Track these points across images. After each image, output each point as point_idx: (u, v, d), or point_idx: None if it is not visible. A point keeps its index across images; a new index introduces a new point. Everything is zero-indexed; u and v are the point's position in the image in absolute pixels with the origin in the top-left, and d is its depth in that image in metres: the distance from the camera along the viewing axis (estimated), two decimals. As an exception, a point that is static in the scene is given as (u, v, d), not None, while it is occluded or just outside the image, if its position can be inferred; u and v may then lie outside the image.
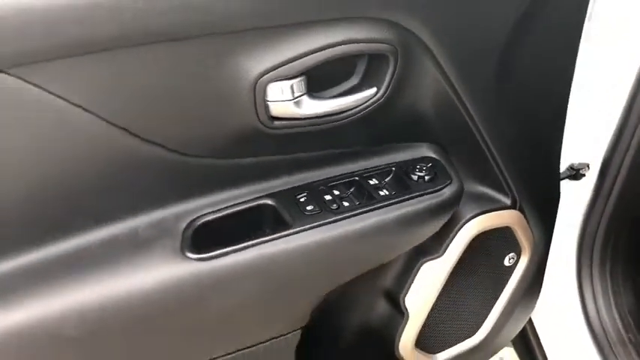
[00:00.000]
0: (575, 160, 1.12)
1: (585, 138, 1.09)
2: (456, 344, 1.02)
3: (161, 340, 0.74)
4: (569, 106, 0.87)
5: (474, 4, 0.70)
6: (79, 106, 0.59)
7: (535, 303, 1.08)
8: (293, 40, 0.63)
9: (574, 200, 1.14)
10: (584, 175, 1.12)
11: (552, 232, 1.00)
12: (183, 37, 0.58)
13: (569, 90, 0.84)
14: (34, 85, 0.55)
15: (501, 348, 1.12)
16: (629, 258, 1.17)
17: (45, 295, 0.65)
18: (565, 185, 1.13)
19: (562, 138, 0.90)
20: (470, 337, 1.02)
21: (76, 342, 0.68)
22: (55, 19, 0.51)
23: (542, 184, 0.93)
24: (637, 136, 1.02)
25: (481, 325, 1.02)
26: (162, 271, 0.69)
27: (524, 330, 1.19)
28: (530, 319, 1.22)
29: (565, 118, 0.87)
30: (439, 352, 1.01)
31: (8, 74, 0.54)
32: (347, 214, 0.74)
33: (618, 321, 1.13)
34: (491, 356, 1.10)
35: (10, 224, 0.64)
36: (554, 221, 0.99)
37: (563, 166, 1.11)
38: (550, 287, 1.14)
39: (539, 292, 1.07)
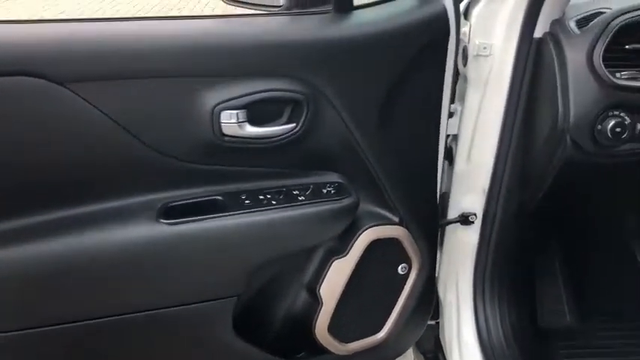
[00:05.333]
0: (466, 209, 1.46)
1: (472, 190, 1.44)
2: (363, 338, 1.31)
3: (128, 284, 1.06)
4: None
5: (360, 72, 1.10)
6: (106, 115, 0.97)
7: (429, 313, 1.38)
8: (237, 85, 1.03)
9: (467, 241, 1.47)
10: (472, 221, 1.46)
11: (435, 250, 1.33)
12: (173, 76, 0.98)
13: (438, 134, 1.22)
14: (79, 96, 0.94)
15: (405, 350, 1.40)
16: (512, 286, 1.48)
17: (55, 243, 0.99)
18: (459, 228, 1.47)
19: (436, 173, 1.26)
20: (375, 334, 1.32)
21: (73, 279, 1.01)
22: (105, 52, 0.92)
23: (422, 208, 1.28)
24: (503, 189, 1.37)
25: (384, 324, 1.31)
26: (143, 231, 1.03)
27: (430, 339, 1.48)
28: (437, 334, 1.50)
29: (437, 158, 1.24)
30: (349, 342, 1.30)
31: (65, 87, 0.93)
32: (273, 206, 1.10)
33: (501, 334, 1.42)
34: (397, 356, 1.39)
35: (45, 190, 1.00)
36: (436, 241, 1.32)
37: (456, 213, 1.46)
38: (452, 307, 1.45)
39: (432, 303, 1.37)
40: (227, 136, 1.05)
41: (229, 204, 1.09)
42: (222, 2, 1.21)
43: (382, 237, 1.22)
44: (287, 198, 1.13)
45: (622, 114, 1.11)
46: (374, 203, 1.23)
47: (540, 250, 1.66)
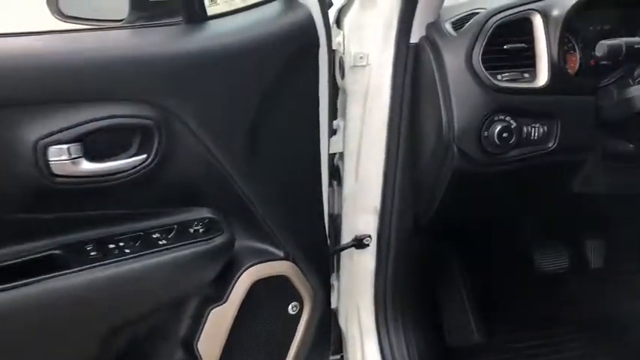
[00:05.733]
0: (360, 232, 1.35)
1: (364, 210, 1.32)
2: (256, 390, 1.15)
3: None
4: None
5: (220, 89, 0.95)
6: None
7: (328, 350, 1.25)
8: (67, 113, 0.84)
9: (364, 266, 1.36)
10: (367, 244, 1.34)
11: (329, 284, 1.20)
12: None
13: (319, 153, 1.09)
14: None
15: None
16: (416, 308, 1.38)
17: None
18: (355, 253, 1.35)
19: (322, 196, 1.13)
20: (269, 384, 1.16)
21: None
22: None
23: (310, 237, 1.15)
24: (396, 206, 1.27)
25: (278, 372, 1.16)
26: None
27: None
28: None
29: (321, 179, 1.12)
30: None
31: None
32: (127, 256, 0.91)
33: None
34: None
35: None
36: (329, 274, 1.19)
37: (350, 237, 1.35)
38: (355, 340, 1.32)
39: (330, 340, 1.24)
40: (59, 176, 0.86)
41: (71, 258, 0.90)
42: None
43: (266, 276, 1.07)
44: (145, 244, 0.95)
45: (507, 118, 1.05)
46: (253, 238, 1.08)
47: (440, 267, 1.58)
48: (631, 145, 1.10)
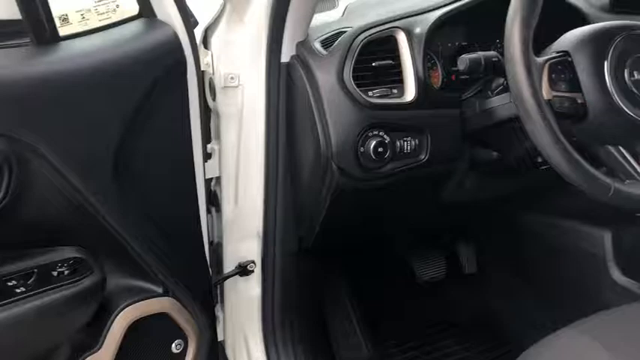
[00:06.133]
0: (243, 258, 1.30)
1: (246, 236, 1.28)
2: None
3: None
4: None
5: (77, 116, 0.86)
6: None
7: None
8: None
9: (250, 294, 1.31)
10: (252, 270, 1.30)
11: (214, 316, 1.13)
12: None
13: (194, 179, 1.03)
14: None
15: None
16: (306, 332, 1.35)
17: None
18: (239, 281, 1.30)
19: (200, 224, 1.07)
20: None
21: None
22: None
23: (190, 268, 1.08)
24: (279, 229, 1.24)
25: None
26: None
27: None
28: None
29: (197, 206, 1.06)
30: None
31: None
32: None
33: None
34: None
35: None
36: (213, 306, 1.13)
37: (233, 264, 1.29)
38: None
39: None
40: None
41: None
42: None
43: (145, 315, 0.99)
44: None
45: (381, 133, 1.06)
46: (128, 275, 1.00)
47: (326, 285, 1.58)
48: (494, 153, 1.17)
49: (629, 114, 0.92)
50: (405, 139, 1.09)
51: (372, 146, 1.06)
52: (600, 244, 1.39)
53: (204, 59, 1.14)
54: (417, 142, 1.10)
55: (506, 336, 1.52)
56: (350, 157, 1.06)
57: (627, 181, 0.93)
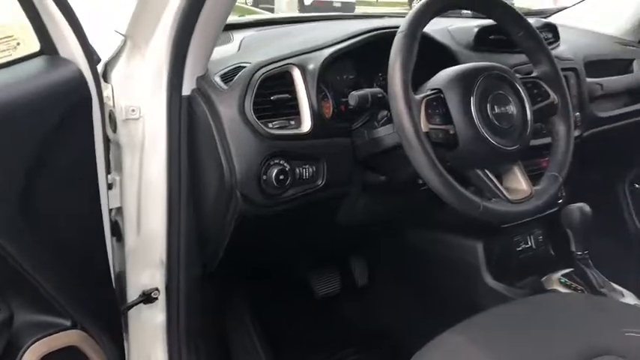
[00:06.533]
0: (147, 286, 1.31)
1: (149, 264, 1.29)
2: None
3: None
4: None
5: None
6: None
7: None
8: None
9: (154, 322, 1.32)
10: (156, 298, 1.31)
11: (122, 346, 1.14)
12: None
13: (100, 210, 1.05)
14: None
15: None
16: (211, 354, 1.38)
17: None
18: (143, 309, 1.31)
19: (106, 254, 1.09)
20: None
21: None
22: None
23: (98, 299, 1.09)
24: (182, 256, 1.27)
25: None
26: None
27: None
28: None
29: (104, 237, 1.07)
30: None
31: None
32: None
33: None
34: None
35: None
36: (121, 336, 1.14)
37: (136, 293, 1.30)
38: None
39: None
40: None
41: None
42: None
43: (53, 349, 0.99)
44: None
45: (282, 161, 1.14)
46: (36, 310, 0.99)
47: (230, 309, 1.62)
48: (382, 177, 1.29)
49: (492, 142, 1.07)
50: (303, 166, 1.18)
51: (273, 174, 1.14)
52: (475, 254, 1.57)
53: (105, 92, 1.16)
54: (314, 168, 1.20)
55: (399, 347, 1.65)
56: (253, 184, 1.13)
57: (493, 199, 1.09)
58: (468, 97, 1.07)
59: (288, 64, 1.20)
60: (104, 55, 1.16)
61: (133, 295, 1.29)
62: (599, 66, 1.77)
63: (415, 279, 1.78)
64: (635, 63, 1.88)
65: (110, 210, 1.23)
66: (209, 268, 1.32)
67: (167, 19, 1.09)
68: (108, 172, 1.21)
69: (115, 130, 1.19)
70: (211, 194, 1.18)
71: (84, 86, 0.99)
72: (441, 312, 1.50)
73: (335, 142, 1.23)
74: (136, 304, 1.28)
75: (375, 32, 1.30)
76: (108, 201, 1.14)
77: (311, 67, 1.21)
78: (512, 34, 1.23)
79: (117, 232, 1.28)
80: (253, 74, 1.15)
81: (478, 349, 0.97)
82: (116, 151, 1.23)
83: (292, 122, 1.19)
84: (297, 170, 1.17)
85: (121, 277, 1.29)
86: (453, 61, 1.38)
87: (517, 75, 1.19)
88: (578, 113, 1.61)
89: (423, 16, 1.08)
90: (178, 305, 1.29)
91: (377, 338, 1.75)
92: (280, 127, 1.16)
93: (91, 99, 1.00)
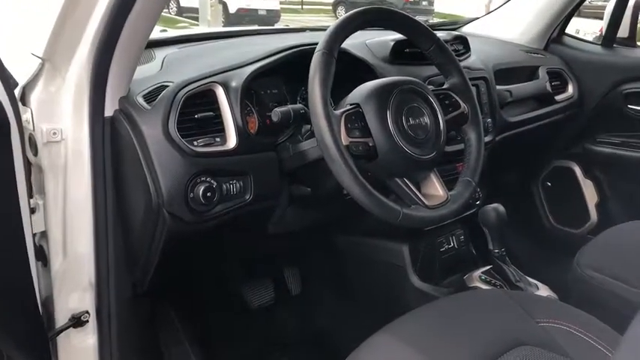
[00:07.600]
0: (76, 309, 1.29)
1: (78, 287, 1.27)
2: None
3: None
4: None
5: None
6: None
7: None
8: None
9: (85, 346, 1.30)
10: (86, 320, 1.29)
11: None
12: None
13: (23, 235, 1.03)
14: None
15: None
16: None
17: None
18: (72, 333, 1.29)
19: (32, 284, 1.07)
20: None
21: None
22: None
23: (25, 330, 1.06)
24: (112, 277, 1.26)
25: None
26: None
27: None
28: None
29: (29, 263, 1.05)
30: None
31: None
32: None
33: None
34: None
35: None
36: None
37: (65, 317, 1.28)
38: None
39: None
40: None
41: None
42: None
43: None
44: None
45: (208, 178, 1.16)
46: None
47: (164, 326, 1.61)
48: (308, 189, 1.33)
49: (408, 152, 1.14)
50: (230, 182, 1.20)
51: (200, 191, 1.15)
52: (401, 256, 1.64)
53: (24, 116, 1.14)
54: (241, 184, 1.22)
55: (335, 349, 1.70)
56: (180, 203, 1.14)
57: (412, 206, 1.15)
58: (385, 110, 1.13)
59: (211, 82, 1.22)
60: (21, 79, 1.14)
61: (61, 319, 1.27)
62: (508, 74, 1.89)
63: (347, 283, 1.83)
64: (540, 69, 2.02)
65: (34, 234, 1.20)
66: (140, 287, 1.32)
67: (87, 39, 1.08)
68: (30, 196, 1.18)
69: (35, 154, 1.17)
70: (139, 214, 1.18)
71: (1, 111, 0.97)
72: (373, 313, 1.56)
73: (261, 157, 1.26)
74: (65, 328, 1.26)
75: (294, 50, 1.35)
76: (31, 226, 1.12)
77: (234, 84, 1.23)
78: (424, 48, 1.30)
79: (42, 256, 1.26)
80: (176, 93, 1.16)
81: (408, 346, 1.03)
82: (38, 174, 1.21)
83: (218, 139, 1.20)
84: (225, 186, 1.19)
85: (49, 302, 1.27)
86: (372, 74, 1.44)
87: (430, 87, 1.26)
88: (489, 119, 1.71)
89: (339, 35, 1.14)
90: (110, 326, 1.28)
91: (312, 343, 1.79)
92: (206, 145, 1.18)
93: (8, 123, 0.99)
